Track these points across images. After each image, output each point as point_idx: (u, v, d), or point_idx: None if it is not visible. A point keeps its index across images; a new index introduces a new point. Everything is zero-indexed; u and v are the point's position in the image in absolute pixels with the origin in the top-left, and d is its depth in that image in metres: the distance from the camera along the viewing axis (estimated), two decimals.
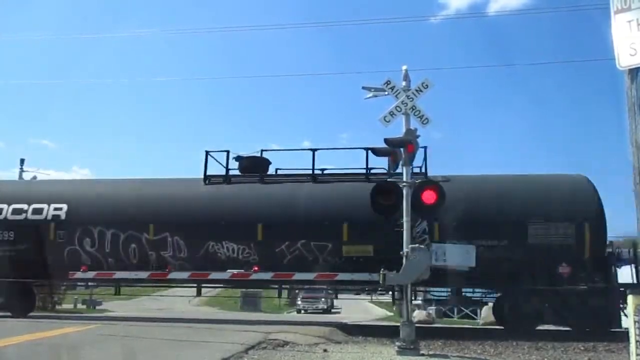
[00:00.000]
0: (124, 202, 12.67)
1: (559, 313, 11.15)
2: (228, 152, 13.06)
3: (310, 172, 12.48)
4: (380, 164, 11.95)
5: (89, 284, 16.26)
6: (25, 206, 12.63)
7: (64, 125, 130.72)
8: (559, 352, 8.61)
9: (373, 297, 32.07)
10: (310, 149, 12.67)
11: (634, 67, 4.34)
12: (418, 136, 8.05)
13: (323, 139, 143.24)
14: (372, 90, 8.73)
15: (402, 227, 7.81)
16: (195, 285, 13.48)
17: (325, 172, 12.76)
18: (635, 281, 11.39)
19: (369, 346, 8.54)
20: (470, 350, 8.69)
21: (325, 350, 7.56)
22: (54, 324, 10.24)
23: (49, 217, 12.41)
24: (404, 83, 8.49)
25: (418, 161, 11.18)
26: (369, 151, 8.88)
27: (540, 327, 11.69)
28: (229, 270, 11.74)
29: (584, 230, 11.08)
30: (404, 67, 8.71)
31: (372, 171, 12.15)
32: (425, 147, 11.45)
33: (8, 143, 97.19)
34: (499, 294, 12.51)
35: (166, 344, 7.52)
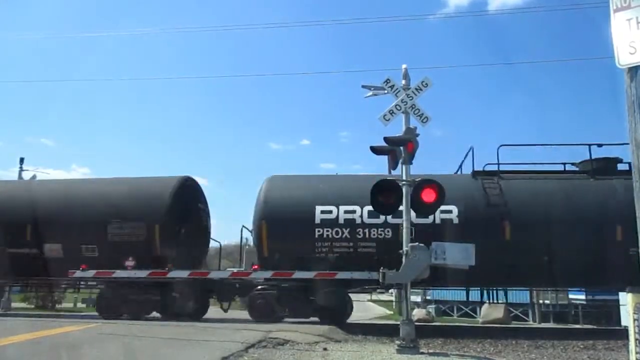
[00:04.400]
0: None
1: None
2: None
3: None
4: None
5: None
6: None
7: (63, 123, 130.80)
8: (558, 351, 8.63)
9: (372, 296, 32.08)
10: None
11: (633, 65, 4.33)
12: (418, 135, 8.06)
13: (323, 137, 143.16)
14: (372, 88, 8.74)
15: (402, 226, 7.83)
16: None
17: None
18: None
19: (369, 345, 8.54)
20: (470, 349, 8.70)
21: (325, 349, 7.56)
22: (54, 322, 10.24)
23: None
24: (403, 82, 8.50)
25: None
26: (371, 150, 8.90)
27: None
28: (228, 269, 11.81)
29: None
30: (404, 66, 8.73)
31: None
32: None
33: (6, 142, 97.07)
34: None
35: (166, 342, 7.51)
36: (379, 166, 12.58)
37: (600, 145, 12.28)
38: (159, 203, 12.84)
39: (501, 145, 12.27)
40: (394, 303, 28.08)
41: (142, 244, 12.47)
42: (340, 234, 11.55)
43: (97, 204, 13.02)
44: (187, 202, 13.56)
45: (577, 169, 12.68)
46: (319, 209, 11.68)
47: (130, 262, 12.28)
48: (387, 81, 8.50)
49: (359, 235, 11.49)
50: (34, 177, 27.76)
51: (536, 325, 22.03)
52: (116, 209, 12.78)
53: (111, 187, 13.70)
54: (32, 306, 20.62)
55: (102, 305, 12.76)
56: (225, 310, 12.99)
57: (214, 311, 13.49)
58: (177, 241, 12.85)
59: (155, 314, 12.69)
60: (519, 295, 22.99)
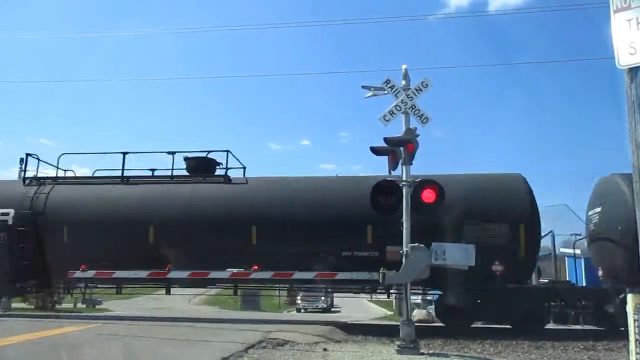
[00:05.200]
0: None
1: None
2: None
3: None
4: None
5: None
6: None
7: (62, 123, 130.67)
8: (558, 351, 8.63)
9: (372, 296, 32.09)
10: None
11: (633, 66, 4.33)
12: (418, 135, 8.06)
13: (323, 137, 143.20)
14: (372, 89, 8.74)
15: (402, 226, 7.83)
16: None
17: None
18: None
19: (369, 345, 8.55)
20: (470, 350, 8.70)
21: (325, 349, 7.56)
22: (53, 323, 10.24)
23: None
24: (403, 82, 8.50)
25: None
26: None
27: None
28: (228, 270, 11.75)
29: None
30: (404, 66, 8.72)
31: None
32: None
33: (6, 142, 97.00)
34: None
35: (166, 343, 7.51)
36: (379, 167, 12.49)
37: None
38: (521, 202, 11.65)
39: None
40: (393, 304, 28.10)
41: (504, 246, 11.28)
42: None
43: (451, 204, 11.43)
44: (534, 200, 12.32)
45: None
46: None
47: (498, 267, 11.09)
48: (387, 81, 8.50)
49: None
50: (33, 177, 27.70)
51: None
52: (473, 209, 11.51)
53: (465, 185, 12.18)
54: (32, 307, 20.58)
55: (444, 311, 11.85)
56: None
57: (212, 311, 13.48)
58: (539, 242, 11.90)
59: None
60: None
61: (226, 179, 13.07)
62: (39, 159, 14.42)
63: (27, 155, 14.28)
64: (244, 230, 11.85)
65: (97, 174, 14.10)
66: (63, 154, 14.58)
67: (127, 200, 12.82)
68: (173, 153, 13.38)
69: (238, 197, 12.60)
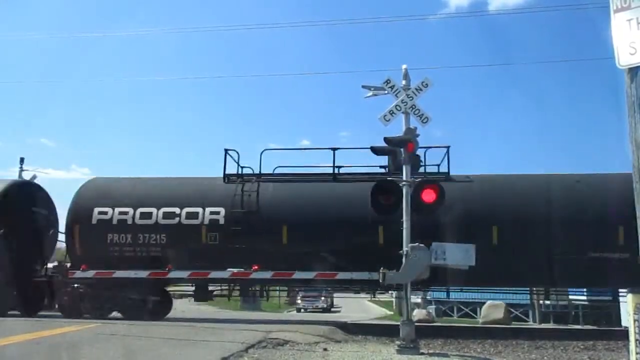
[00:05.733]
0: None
1: None
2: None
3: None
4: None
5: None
6: None
7: (62, 123, 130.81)
8: (558, 351, 8.63)
9: (372, 296, 32.15)
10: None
11: (633, 66, 4.33)
12: (418, 135, 8.07)
13: (323, 137, 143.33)
14: (372, 89, 8.75)
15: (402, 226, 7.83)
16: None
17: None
18: None
19: (369, 345, 8.55)
20: (470, 349, 8.71)
21: (325, 349, 7.56)
22: (54, 323, 10.23)
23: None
24: (403, 82, 8.52)
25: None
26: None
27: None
28: (228, 270, 11.74)
29: None
30: (404, 66, 8.74)
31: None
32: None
33: (6, 142, 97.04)
34: None
35: (166, 343, 7.50)
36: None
37: None
38: None
39: None
40: (393, 303, 28.14)
41: None
42: None
43: None
44: None
45: None
46: None
47: None
48: (387, 81, 8.51)
49: None
50: (33, 177, 27.71)
51: (536, 325, 22.03)
52: None
53: None
54: None
55: None
56: None
57: (212, 311, 13.47)
58: None
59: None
60: (519, 296, 22.96)
61: (447, 177, 12.03)
62: (238, 157, 13.02)
63: (226, 150, 12.84)
64: (484, 230, 11.12)
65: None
66: (265, 149, 13.25)
67: (347, 199, 11.96)
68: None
69: (467, 196, 11.75)
